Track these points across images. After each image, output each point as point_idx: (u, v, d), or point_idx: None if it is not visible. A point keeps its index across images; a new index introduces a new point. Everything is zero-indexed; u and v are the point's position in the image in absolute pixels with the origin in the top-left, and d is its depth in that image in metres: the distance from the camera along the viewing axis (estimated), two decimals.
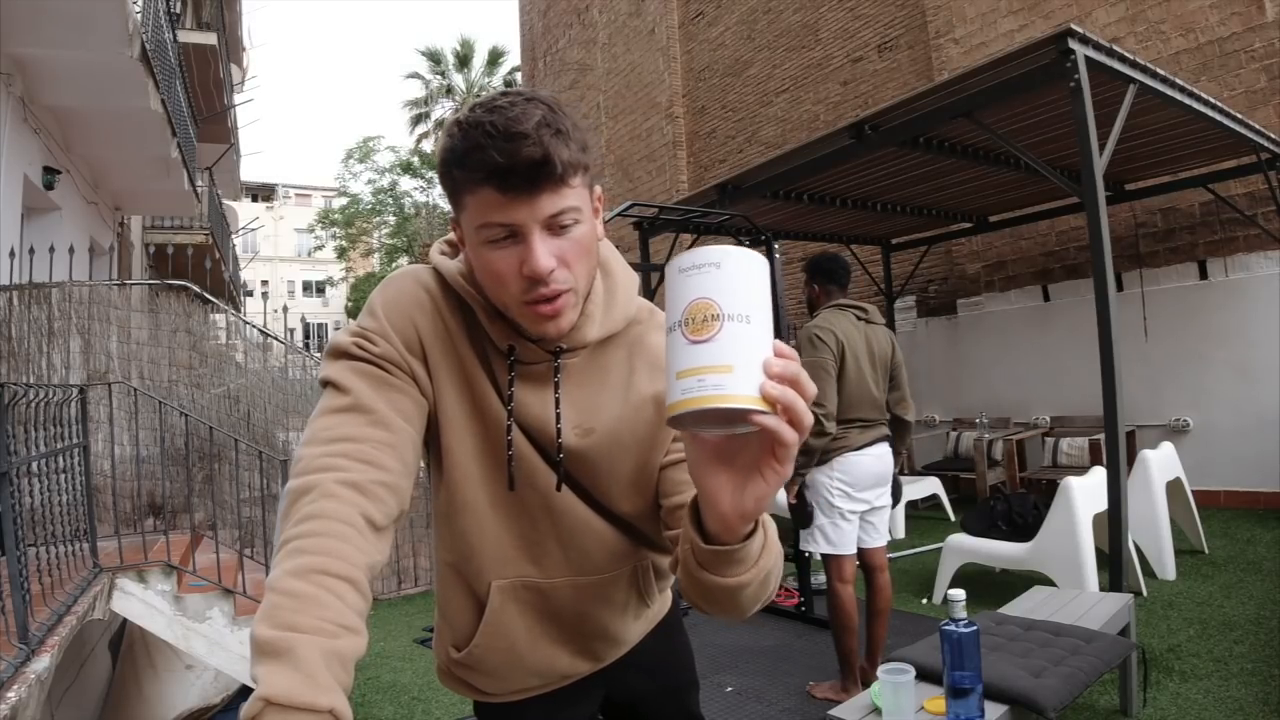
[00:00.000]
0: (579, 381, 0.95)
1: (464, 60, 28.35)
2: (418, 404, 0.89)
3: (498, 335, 0.91)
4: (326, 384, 0.87)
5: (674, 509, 0.90)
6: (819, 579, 3.87)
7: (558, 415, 0.93)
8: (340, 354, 0.88)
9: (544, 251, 0.80)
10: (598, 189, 0.90)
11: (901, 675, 1.70)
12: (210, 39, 9.63)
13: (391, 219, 27.63)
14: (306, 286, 37.31)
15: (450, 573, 1.04)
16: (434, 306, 0.92)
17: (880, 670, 1.73)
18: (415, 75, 28.76)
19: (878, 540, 3.04)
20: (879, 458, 2.98)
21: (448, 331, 0.92)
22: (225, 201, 14.99)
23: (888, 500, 3.06)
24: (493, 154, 0.77)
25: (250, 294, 25.06)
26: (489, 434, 0.94)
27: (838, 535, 2.93)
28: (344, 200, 28.20)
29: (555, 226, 0.81)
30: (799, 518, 3.01)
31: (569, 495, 0.97)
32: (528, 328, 0.88)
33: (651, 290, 6.04)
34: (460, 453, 0.94)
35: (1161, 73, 3.83)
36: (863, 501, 2.95)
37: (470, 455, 0.95)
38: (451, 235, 0.97)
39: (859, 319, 3.05)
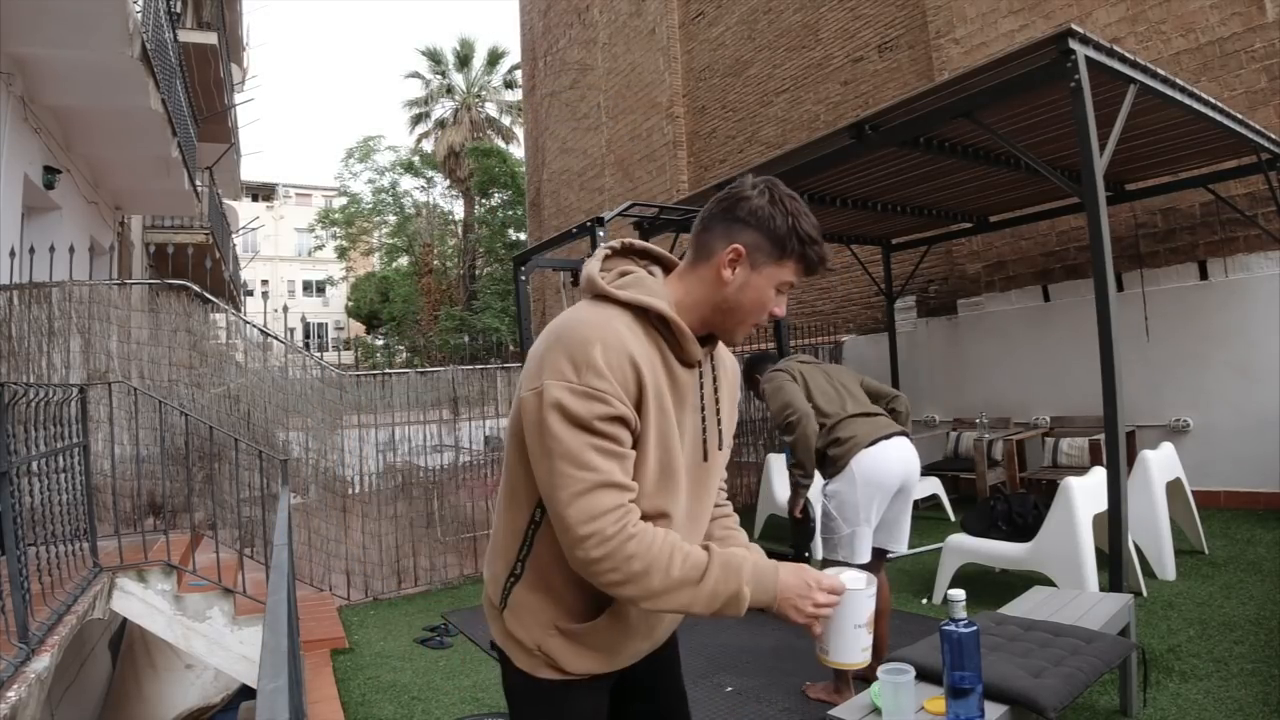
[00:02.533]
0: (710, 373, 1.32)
1: (464, 60, 28.37)
2: (631, 453, 1.14)
3: (695, 351, 1.21)
4: (570, 451, 1.07)
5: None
6: None
7: (716, 396, 1.32)
8: (581, 426, 1.08)
9: (783, 305, 1.25)
10: None
11: (901, 675, 1.70)
12: (210, 38, 9.64)
13: (392, 219, 27.63)
14: (306, 286, 37.30)
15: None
16: (642, 346, 1.15)
17: (880, 670, 1.73)
18: (415, 75, 28.79)
19: (898, 546, 3.02)
20: (898, 449, 2.90)
21: (650, 359, 1.16)
22: (225, 201, 14.99)
23: (909, 505, 3.00)
24: (814, 255, 1.21)
25: (250, 294, 25.05)
26: (687, 424, 1.24)
27: (861, 545, 2.87)
28: (344, 200, 28.21)
29: None
30: (800, 535, 3.00)
31: (710, 469, 1.30)
32: (735, 337, 1.26)
33: None
34: (667, 449, 1.18)
35: (1162, 73, 3.83)
36: (886, 503, 2.90)
37: (677, 448, 1.20)
38: (611, 265, 1.27)
39: (805, 361, 3.19)
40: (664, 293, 1.20)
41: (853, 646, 1.20)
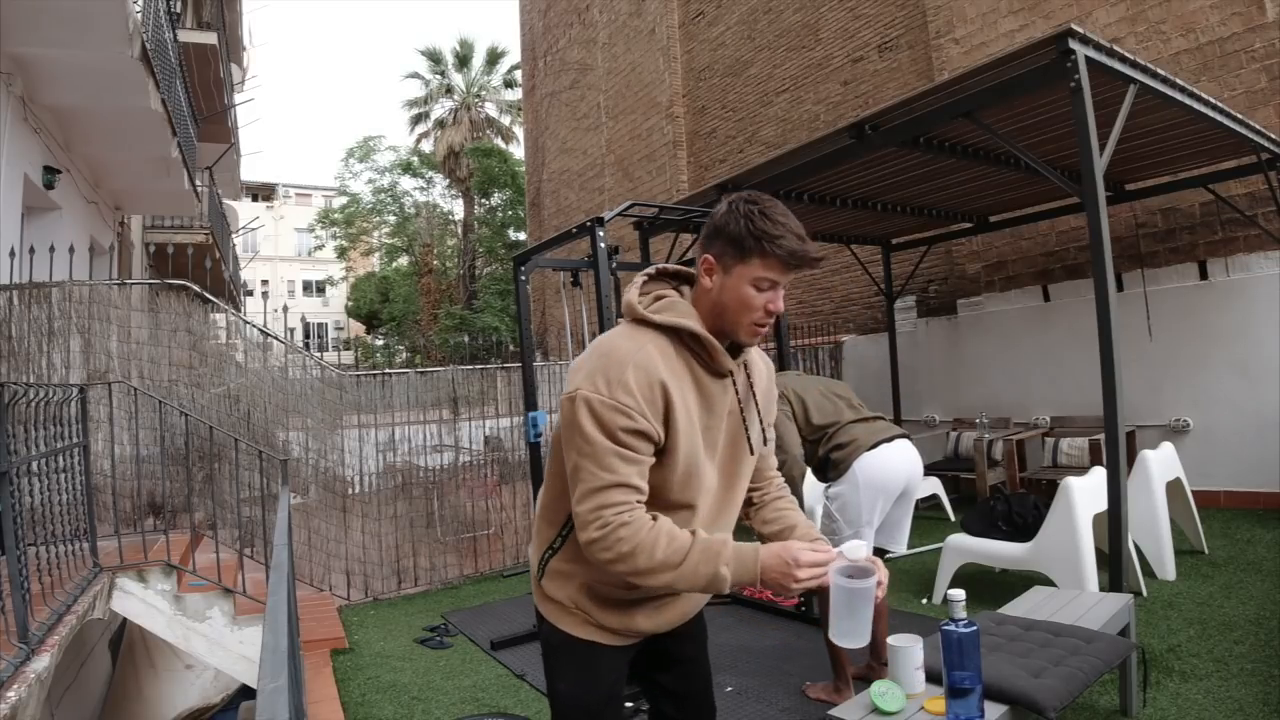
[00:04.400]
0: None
1: (464, 60, 28.35)
2: (649, 460, 1.30)
3: (724, 363, 1.36)
4: (595, 453, 1.26)
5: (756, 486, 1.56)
6: None
7: (753, 397, 1.47)
8: (606, 434, 1.25)
9: (780, 300, 1.34)
10: None
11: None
12: (210, 38, 9.63)
13: (392, 218, 27.62)
14: (306, 286, 37.29)
15: None
16: (672, 366, 1.32)
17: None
18: (415, 75, 28.76)
19: (898, 547, 3.02)
20: (901, 452, 2.90)
21: (678, 374, 1.32)
22: (225, 201, 14.98)
23: (910, 507, 3.00)
24: (793, 245, 1.29)
25: (250, 294, 25.02)
26: (718, 428, 1.39)
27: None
28: (344, 200, 28.19)
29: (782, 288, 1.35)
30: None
31: (743, 466, 1.45)
32: (743, 340, 1.37)
33: None
34: (696, 449, 1.35)
35: (1162, 73, 3.83)
36: (889, 506, 2.89)
37: (705, 448, 1.37)
38: (648, 290, 1.42)
39: (798, 376, 3.30)
40: (692, 312, 1.36)
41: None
